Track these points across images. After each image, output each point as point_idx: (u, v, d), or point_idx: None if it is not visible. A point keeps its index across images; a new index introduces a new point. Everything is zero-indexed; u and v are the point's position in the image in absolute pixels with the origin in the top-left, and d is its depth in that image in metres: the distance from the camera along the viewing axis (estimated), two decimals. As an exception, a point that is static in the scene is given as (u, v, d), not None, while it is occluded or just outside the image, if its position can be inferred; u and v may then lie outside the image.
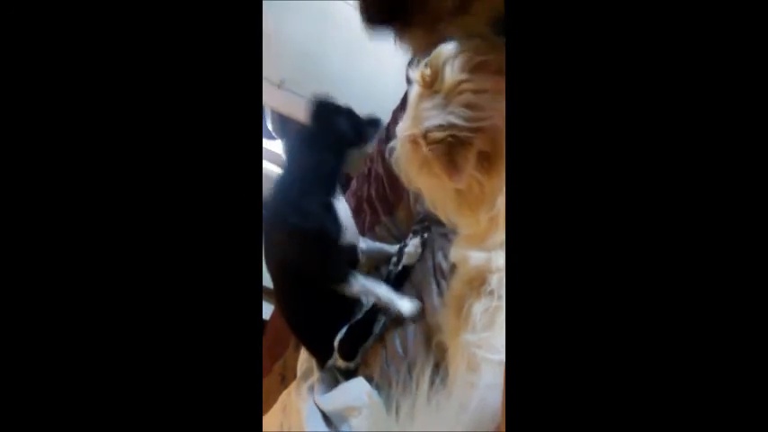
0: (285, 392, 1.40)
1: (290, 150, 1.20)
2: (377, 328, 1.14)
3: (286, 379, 1.54)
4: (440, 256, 1.06)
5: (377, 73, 2.34)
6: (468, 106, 0.64)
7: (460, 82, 0.64)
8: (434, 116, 0.65)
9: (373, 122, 1.23)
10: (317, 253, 1.11)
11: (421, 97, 0.69)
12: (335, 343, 1.16)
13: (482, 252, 0.72)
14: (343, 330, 1.16)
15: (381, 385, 1.04)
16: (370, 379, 1.08)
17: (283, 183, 1.16)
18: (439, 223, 1.10)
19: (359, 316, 1.15)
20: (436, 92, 0.66)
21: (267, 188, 1.16)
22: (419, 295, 1.10)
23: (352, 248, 1.19)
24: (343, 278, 1.08)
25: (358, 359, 1.17)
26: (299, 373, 1.37)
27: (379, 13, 0.93)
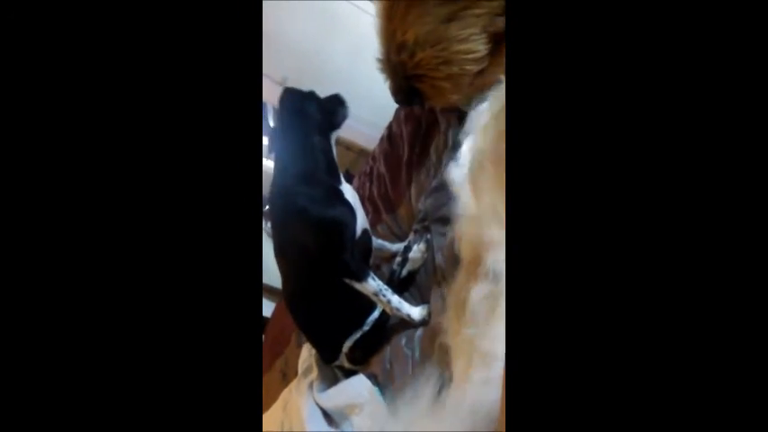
0: (286, 390, 1.40)
1: (279, 140, 1.19)
2: (389, 334, 1.12)
3: (287, 376, 1.54)
4: (439, 257, 1.06)
5: (378, 70, 2.34)
6: None
7: None
8: None
9: (338, 101, 1.22)
10: (332, 240, 1.06)
11: None
12: (345, 349, 1.14)
13: (475, 228, 0.73)
14: (356, 337, 1.12)
15: (384, 383, 1.04)
16: (371, 376, 1.08)
17: (284, 174, 1.15)
18: (439, 222, 1.10)
19: (371, 324, 1.12)
20: None
21: (269, 185, 1.15)
22: (422, 296, 1.10)
23: (366, 234, 1.15)
24: (363, 276, 1.05)
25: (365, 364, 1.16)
26: (299, 371, 1.38)
27: (399, 101, 1.14)
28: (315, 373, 1.27)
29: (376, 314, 1.12)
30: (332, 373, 1.23)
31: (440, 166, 1.22)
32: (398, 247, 1.25)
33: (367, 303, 1.10)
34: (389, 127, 1.82)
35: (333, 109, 1.19)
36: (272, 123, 1.90)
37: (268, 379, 1.64)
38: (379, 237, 1.34)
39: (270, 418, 1.37)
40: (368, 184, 1.77)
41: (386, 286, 1.06)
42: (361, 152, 2.62)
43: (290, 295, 1.21)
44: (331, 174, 1.13)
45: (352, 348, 1.13)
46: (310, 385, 1.25)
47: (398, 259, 1.18)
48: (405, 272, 1.17)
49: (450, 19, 0.92)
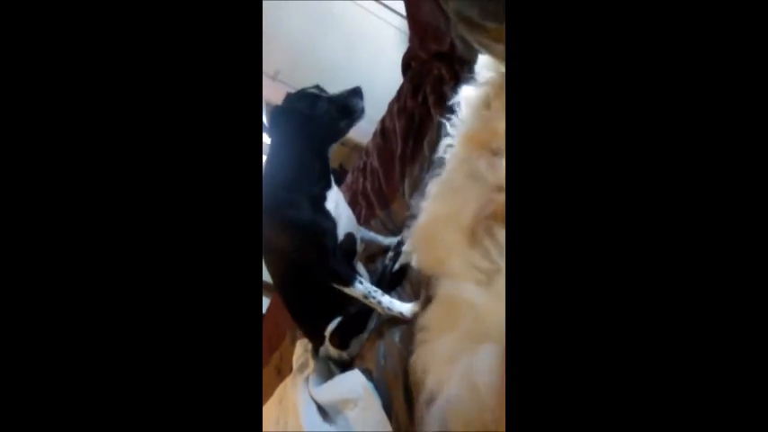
0: (281, 385, 1.41)
1: (271, 145, 1.18)
2: (371, 324, 1.15)
3: (282, 372, 1.55)
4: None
5: (373, 64, 2.33)
6: None
7: None
8: None
9: (354, 93, 1.16)
10: (313, 248, 1.11)
11: None
12: (327, 332, 1.18)
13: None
14: (336, 322, 1.17)
15: (378, 379, 1.04)
16: (365, 372, 1.08)
17: (271, 177, 1.15)
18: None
19: (354, 310, 1.16)
20: None
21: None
22: (415, 292, 1.11)
23: (350, 238, 1.18)
24: (350, 281, 1.09)
25: (351, 350, 1.18)
26: (294, 367, 1.38)
27: None
28: (310, 368, 1.27)
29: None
30: (327, 368, 1.24)
31: (433, 160, 1.22)
32: (391, 241, 1.26)
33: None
34: (382, 121, 1.82)
35: (345, 102, 1.15)
36: (264, 119, 1.90)
37: (263, 374, 1.64)
38: (372, 231, 1.35)
39: (265, 414, 1.38)
40: (361, 179, 1.77)
41: (374, 288, 1.09)
42: (355, 147, 2.61)
43: (277, 286, 1.26)
44: (319, 178, 1.14)
45: (333, 333, 1.17)
46: (306, 380, 1.25)
47: (391, 254, 1.19)
48: (396, 266, 1.19)
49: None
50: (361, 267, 1.29)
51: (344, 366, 1.20)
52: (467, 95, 0.92)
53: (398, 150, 1.53)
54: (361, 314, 1.15)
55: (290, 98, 1.18)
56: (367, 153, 1.88)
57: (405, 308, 1.06)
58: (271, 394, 1.43)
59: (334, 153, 1.23)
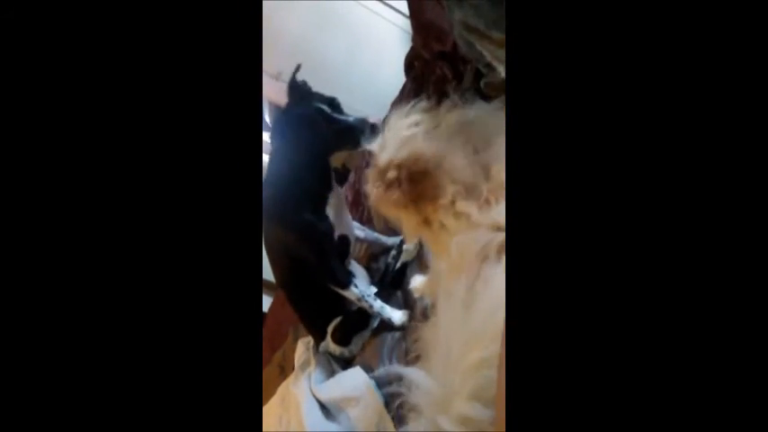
0: (284, 384, 1.41)
1: (273, 147, 1.18)
2: (374, 322, 1.16)
3: (285, 370, 1.55)
4: (427, 253, 1.08)
5: (375, 64, 2.34)
6: None
7: None
8: None
9: (359, 126, 1.11)
10: (311, 251, 1.15)
11: None
12: (329, 328, 1.21)
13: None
14: (337, 320, 1.19)
15: (380, 376, 1.05)
16: (368, 369, 1.09)
17: (273, 178, 1.16)
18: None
19: (355, 307, 1.18)
20: None
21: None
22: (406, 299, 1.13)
23: (344, 240, 1.20)
24: (346, 284, 1.13)
25: (353, 347, 1.19)
26: (296, 365, 1.38)
27: None
28: (312, 366, 1.28)
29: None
30: (329, 366, 1.25)
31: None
32: (394, 240, 1.27)
33: None
34: (384, 120, 1.82)
35: (340, 137, 1.13)
36: (267, 119, 1.90)
37: (266, 373, 1.65)
38: (375, 231, 1.36)
39: (268, 413, 1.38)
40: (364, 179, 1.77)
41: (368, 292, 1.13)
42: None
43: (279, 282, 1.30)
44: (320, 182, 1.15)
45: (334, 330, 1.21)
46: (308, 378, 1.26)
47: (393, 252, 1.20)
48: (398, 264, 1.21)
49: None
50: (359, 267, 1.30)
51: (346, 364, 1.21)
52: None
53: (401, 150, 1.52)
54: (362, 312, 1.17)
55: (298, 104, 1.16)
56: (370, 153, 1.88)
57: (395, 315, 1.09)
58: (273, 392, 1.43)
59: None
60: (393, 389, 0.73)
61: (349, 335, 1.20)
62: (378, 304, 1.12)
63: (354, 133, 1.10)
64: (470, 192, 0.74)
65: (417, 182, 0.77)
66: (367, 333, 1.19)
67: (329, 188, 1.16)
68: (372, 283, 1.27)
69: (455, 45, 1.50)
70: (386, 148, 0.83)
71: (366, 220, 1.52)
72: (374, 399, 1.01)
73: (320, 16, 2.33)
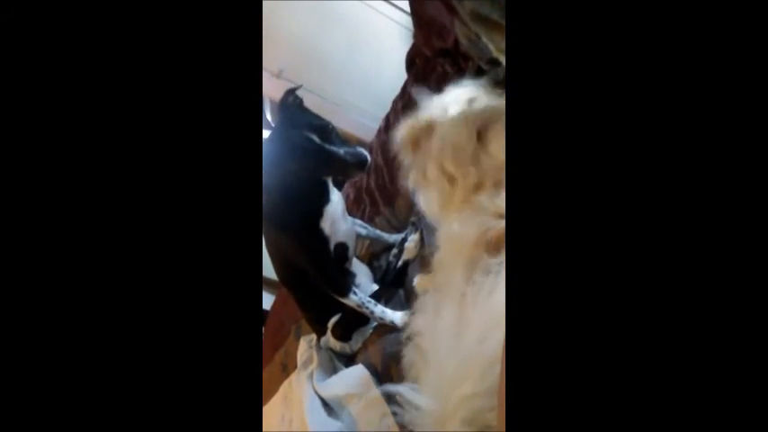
0: (286, 382, 1.41)
1: (268, 154, 1.16)
2: (373, 321, 1.17)
3: (287, 368, 1.55)
4: (428, 251, 1.08)
5: (377, 61, 2.33)
6: None
7: None
8: None
9: (353, 160, 1.06)
10: (309, 263, 1.16)
11: None
12: (329, 324, 1.22)
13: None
14: (338, 316, 1.20)
15: (382, 373, 1.05)
16: (369, 366, 1.09)
17: (270, 187, 1.15)
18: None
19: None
20: None
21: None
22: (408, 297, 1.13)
23: (342, 247, 1.21)
24: (345, 292, 1.13)
25: (353, 343, 1.20)
26: (299, 363, 1.38)
27: None
28: (314, 363, 1.28)
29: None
30: (331, 363, 1.25)
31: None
32: (396, 238, 1.27)
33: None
34: (386, 118, 1.82)
35: (340, 166, 1.08)
36: (268, 117, 1.90)
37: (268, 371, 1.65)
38: (377, 228, 1.36)
39: (271, 411, 1.39)
40: (366, 176, 1.77)
41: (368, 298, 1.13)
42: (359, 144, 2.61)
43: (281, 280, 1.31)
44: (316, 194, 1.15)
45: (334, 326, 1.22)
46: (310, 376, 1.26)
47: (395, 251, 1.20)
48: (400, 262, 1.21)
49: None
50: (362, 265, 1.30)
51: (349, 361, 1.21)
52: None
53: (403, 147, 1.52)
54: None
55: (288, 130, 1.11)
56: (371, 150, 1.88)
57: (396, 317, 1.10)
58: (276, 391, 1.43)
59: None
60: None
61: (349, 331, 1.20)
62: (378, 309, 1.12)
63: (345, 167, 1.07)
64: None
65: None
66: (368, 330, 1.19)
67: (325, 202, 1.15)
68: (374, 281, 1.27)
69: (456, 42, 1.50)
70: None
71: (367, 218, 1.52)
72: (376, 395, 1.01)
73: (321, 14, 2.32)
